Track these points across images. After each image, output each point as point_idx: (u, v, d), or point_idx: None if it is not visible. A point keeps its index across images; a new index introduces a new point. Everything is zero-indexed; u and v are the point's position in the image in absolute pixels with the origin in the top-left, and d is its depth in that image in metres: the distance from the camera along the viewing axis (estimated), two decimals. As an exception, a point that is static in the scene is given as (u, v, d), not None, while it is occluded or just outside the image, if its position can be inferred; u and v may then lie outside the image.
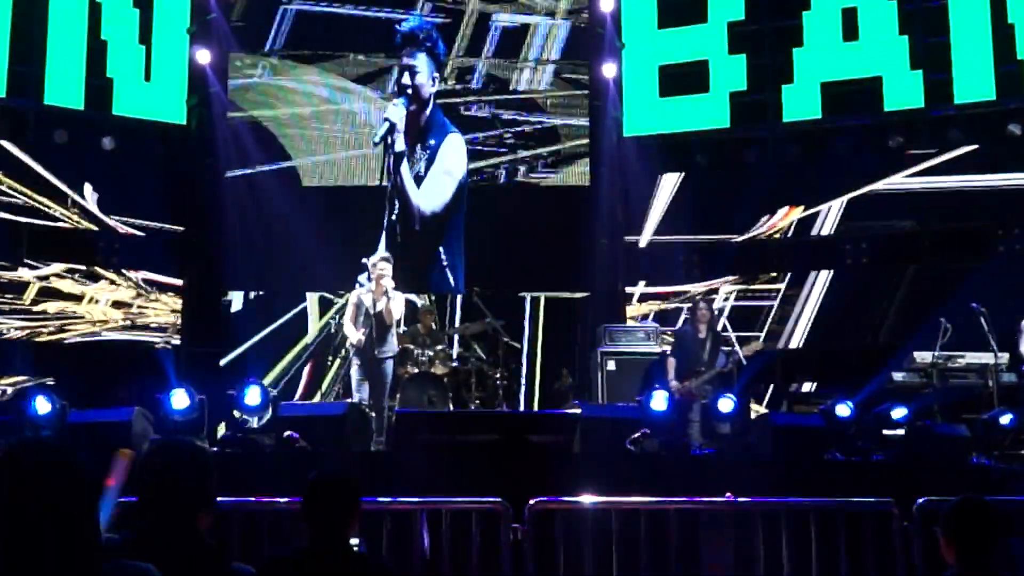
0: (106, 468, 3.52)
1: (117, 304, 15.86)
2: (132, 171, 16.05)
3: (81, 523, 2.69)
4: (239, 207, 16.30)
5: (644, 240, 16.44)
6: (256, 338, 16.14)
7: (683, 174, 16.38)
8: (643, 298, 16.38)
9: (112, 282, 15.83)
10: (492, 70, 16.83)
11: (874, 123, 15.92)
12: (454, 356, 14.19)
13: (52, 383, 14.11)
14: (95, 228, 15.78)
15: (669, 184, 16.46)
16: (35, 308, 15.33)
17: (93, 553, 2.69)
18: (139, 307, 15.97)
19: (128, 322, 15.90)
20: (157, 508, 3.63)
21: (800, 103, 16.16)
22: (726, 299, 16.09)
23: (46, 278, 15.42)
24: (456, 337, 15.01)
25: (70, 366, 14.73)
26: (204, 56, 16.24)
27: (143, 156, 16.16)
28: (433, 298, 15.85)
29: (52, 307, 15.43)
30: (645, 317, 16.08)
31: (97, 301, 15.72)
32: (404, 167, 16.09)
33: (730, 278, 16.18)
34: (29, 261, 15.38)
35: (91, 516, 2.73)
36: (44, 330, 15.40)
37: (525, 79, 16.86)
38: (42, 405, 9.96)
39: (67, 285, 15.58)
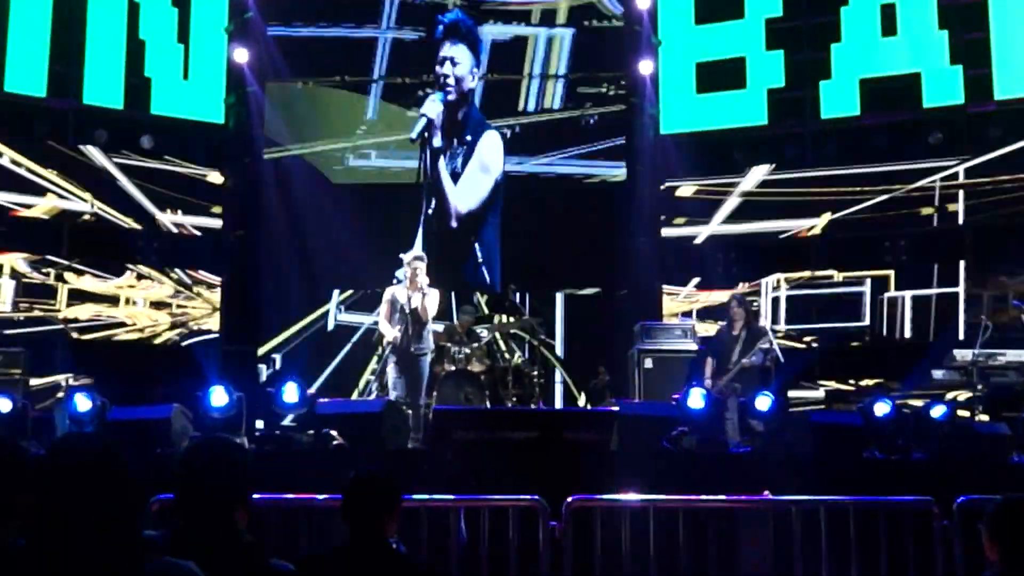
0: (146, 465, 3.55)
1: (156, 304, 15.94)
2: (171, 170, 16.12)
3: (125, 520, 2.69)
4: (277, 204, 16.37)
5: (701, 237, 16.40)
6: (287, 333, 16.24)
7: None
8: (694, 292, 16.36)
9: (149, 278, 15.91)
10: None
11: (913, 119, 15.81)
12: (490, 353, 14.19)
13: (92, 381, 14.21)
14: (136, 226, 15.87)
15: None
16: (71, 313, 15.43)
17: (136, 550, 2.70)
18: (179, 305, 16.04)
19: (175, 326, 15.98)
20: (195, 505, 3.64)
21: (838, 99, 16.08)
22: (775, 289, 16.04)
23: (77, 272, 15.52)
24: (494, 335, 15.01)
25: (110, 364, 14.81)
26: (242, 55, 16.32)
27: (182, 155, 16.24)
28: (480, 298, 15.90)
29: (86, 311, 15.51)
30: (687, 315, 16.05)
31: (135, 302, 15.79)
32: (441, 163, 16.13)
33: (778, 275, 16.13)
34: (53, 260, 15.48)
35: (134, 513, 2.74)
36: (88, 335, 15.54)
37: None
38: (82, 402, 10.02)
39: (98, 285, 15.67)
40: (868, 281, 15.68)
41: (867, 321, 15.58)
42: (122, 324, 15.70)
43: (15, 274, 15.08)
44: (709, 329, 14.94)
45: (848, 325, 15.69)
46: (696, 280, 16.31)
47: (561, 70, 16.84)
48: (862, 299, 15.68)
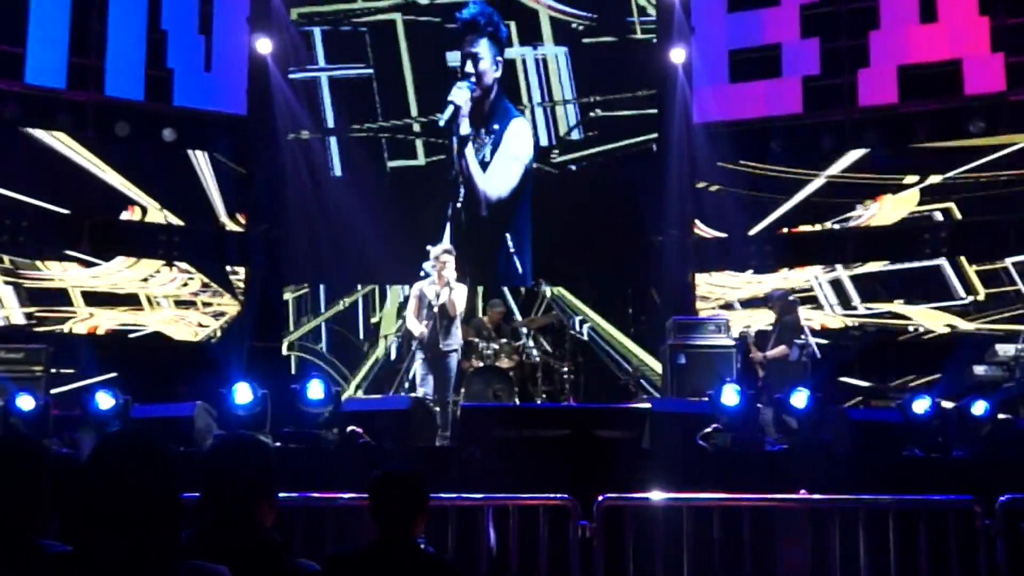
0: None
1: (180, 303, 16.01)
2: (192, 163, 16.21)
3: (169, 520, 2.70)
4: (300, 197, 16.44)
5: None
6: (306, 328, 16.32)
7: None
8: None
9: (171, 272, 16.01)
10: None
11: (953, 107, 15.73)
12: (520, 349, 14.20)
13: (114, 378, 14.28)
14: (160, 223, 15.97)
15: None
16: (92, 315, 15.54)
17: (174, 551, 2.70)
18: (203, 302, 16.10)
19: (200, 326, 16.07)
20: (220, 504, 3.66)
21: (876, 87, 15.99)
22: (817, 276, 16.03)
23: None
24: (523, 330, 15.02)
25: (132, 360, 14.87)
26: (264, 45, 16.34)
27: (204, 147, 16.31)
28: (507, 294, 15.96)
29: (110, 316, 15.61)
30: (727, 307, 16.06)
31: (158, 303, 15.86)
32: (469, 151, 16.17)
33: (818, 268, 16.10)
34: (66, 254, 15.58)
35: (177, 513, 2.74)
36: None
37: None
38: (104, 400, 10.06)
39: (122, 282, 15.76)
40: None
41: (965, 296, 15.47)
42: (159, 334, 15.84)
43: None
44: (753, 317, 14.99)
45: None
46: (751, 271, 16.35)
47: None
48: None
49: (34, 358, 12.62)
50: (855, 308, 15.76)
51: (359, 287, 16.54)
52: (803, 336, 12.82)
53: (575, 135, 16.77)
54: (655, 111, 16.71)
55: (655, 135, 16.69)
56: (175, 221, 16.02)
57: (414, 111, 16.65)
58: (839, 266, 15.95)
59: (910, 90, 15.84)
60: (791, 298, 13.65)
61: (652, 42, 16.78)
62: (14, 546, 3.20)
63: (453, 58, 16.54)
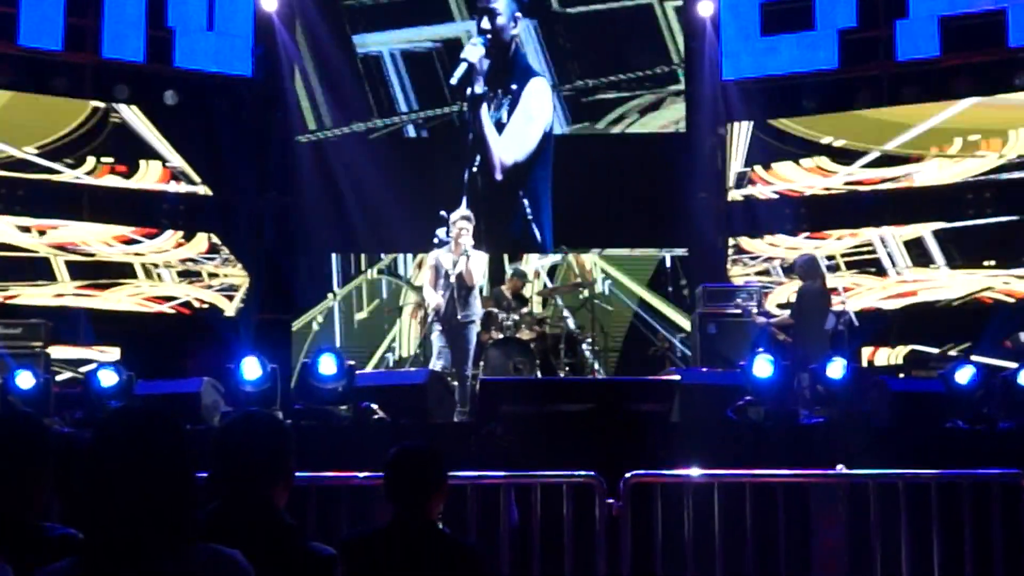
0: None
1: (185, 275, 16.06)
2: (197, 127, 16.23)
3: (183, 499, 2.70)
4: (310, 164, 16.45)
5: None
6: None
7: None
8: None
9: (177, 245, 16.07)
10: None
11: (997, 60, 15.62)
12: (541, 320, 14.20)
13: (117, 354, 14.36)
14: (164, 189, 16.01)
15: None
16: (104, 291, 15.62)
17: (189, 533, 2.70)
18: (209, 273, 16.15)
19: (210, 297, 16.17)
20: (232, 485, 3.67)
21: (916, 40, 15.87)
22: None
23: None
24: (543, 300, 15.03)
25: (135, 335, 14.94)
26: (271, 3, 16.30)
27: (207, 111, 16.32)
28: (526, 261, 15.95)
29: (117, 293, 15.68)
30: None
31: (159, 276, 15.92)
32: (484, 112, 16.07)
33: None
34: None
35: (192, 492, 2.74)
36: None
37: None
38: (107, 377, 10.10)
39: (120, 254, 15.83)
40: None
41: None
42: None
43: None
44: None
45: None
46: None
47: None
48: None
49: (33, 333, 12.67)
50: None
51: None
52: (842, 303, 12.83)
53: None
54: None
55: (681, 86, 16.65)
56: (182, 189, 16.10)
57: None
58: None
59: (952, 43, 15.72)
60: (814, 265, 13.51)
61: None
62: (15, 529, 3.22)
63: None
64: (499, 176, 16.20)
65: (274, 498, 3.68)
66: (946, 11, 15.76)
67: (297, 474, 3.84)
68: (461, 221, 12.18)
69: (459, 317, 12.15)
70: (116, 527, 2.61)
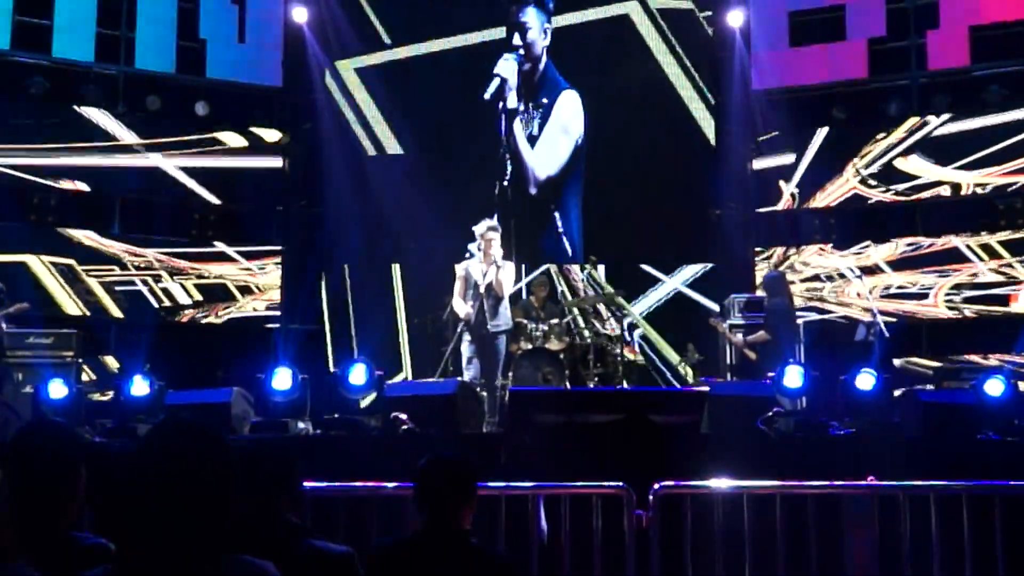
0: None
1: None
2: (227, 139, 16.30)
3: (221, 513, 2.71)
4: (341, 175, 16.47)
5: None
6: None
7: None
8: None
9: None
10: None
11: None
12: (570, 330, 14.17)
13: (149, 364, 14.42)
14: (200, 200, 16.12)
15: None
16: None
17: (223, 545, 2.71)
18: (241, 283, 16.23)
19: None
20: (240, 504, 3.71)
21: (946, 49, 15.81)
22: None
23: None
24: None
25: (167, 345, 14.99)
26: (301, 14, 16.37)
27: (238, 121, 16.38)
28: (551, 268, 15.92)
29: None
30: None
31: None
32: (517, 125, 16.11)
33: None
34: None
35: (229, 505, 2.75)
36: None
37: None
38: (138, 386, 10.14)
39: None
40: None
41: None
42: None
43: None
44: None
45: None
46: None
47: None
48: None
49: (65, 343, 12.73)
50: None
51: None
52: (871, 314, 12.77)
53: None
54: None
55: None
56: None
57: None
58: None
59: (982, 52, 15.66)
60: (781, 282, 13.39)
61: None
62: (47, 538, 3.23)
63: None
64: (533, 190, 16.22)
65: (281, 510, 3.73)
66: (977, 20, 15.68)
67: (326, 484, 3.87)
68: (489, 232, 12.21)
69: (489, 327, 12.17)
70: (153, 537, 2.62)
